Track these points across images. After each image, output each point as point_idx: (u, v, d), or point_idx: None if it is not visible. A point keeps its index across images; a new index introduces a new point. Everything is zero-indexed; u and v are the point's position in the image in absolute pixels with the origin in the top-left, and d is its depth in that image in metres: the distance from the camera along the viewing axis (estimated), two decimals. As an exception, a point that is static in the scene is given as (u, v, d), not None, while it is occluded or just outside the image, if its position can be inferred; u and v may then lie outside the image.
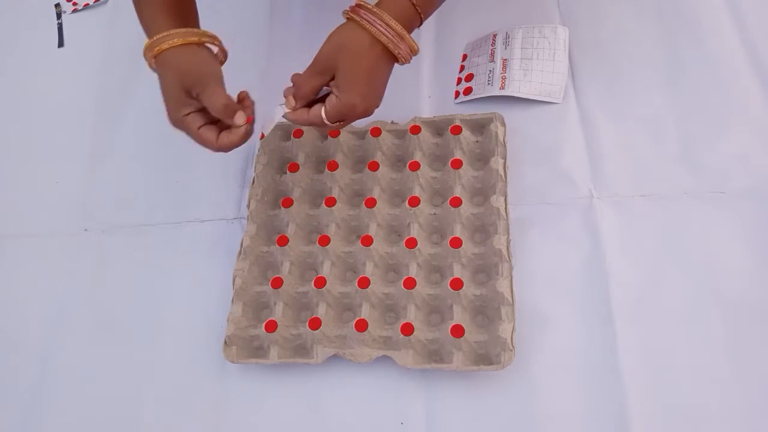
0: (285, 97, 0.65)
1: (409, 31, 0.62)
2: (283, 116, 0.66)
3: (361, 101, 0.62)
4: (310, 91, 0.63)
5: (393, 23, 0.60)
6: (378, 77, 0.63)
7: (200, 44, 0.66)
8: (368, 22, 0.60)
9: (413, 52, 0.63)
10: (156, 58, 0.65)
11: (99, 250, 0.83)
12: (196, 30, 0.66)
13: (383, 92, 0.65)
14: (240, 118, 0.63)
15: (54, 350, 0.78)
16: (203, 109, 0.64)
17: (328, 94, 0.64)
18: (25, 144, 0.96)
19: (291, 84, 0.65)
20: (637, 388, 0.63)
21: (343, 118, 0.63)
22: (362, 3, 0.62)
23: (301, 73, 0.64)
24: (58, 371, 0.76)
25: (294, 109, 0.64)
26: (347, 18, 0.63)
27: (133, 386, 0.73)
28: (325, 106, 0.62)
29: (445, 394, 0.66)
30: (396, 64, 0.64)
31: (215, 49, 0.68)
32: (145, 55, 0.66)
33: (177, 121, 0.65)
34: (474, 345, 0.65)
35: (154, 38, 0.64)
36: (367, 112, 0.64)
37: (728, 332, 0.64)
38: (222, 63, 0.68)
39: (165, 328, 0.76)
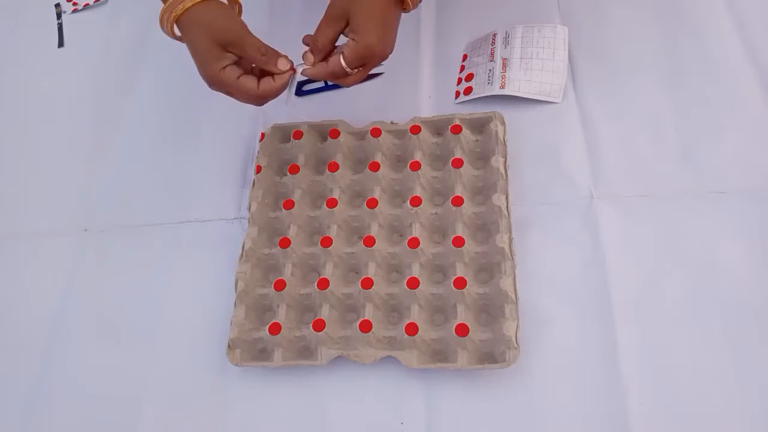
0: (303, 57, 0.65)
1: None
2: (302, 73, 0.66)
3: (377, 42, 0.62)
4: (328, 42, 0.64)
5: None
6: (390, 19, 0.63)
7: None
8: None
9: None
10: (178, 21, 0.64)
11: (99, 250, 0.83)
12: None
13: (395, 37, 0.65)
14: (283, 64, 0.64)
15: (54, 350, 0.77)
16: (237, 61, 0.65)
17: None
18: (24, 144, 0.96)
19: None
20: (638, 387, 0.63)
21: (362, 62, 0.64)
22: None
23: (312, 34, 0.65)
24: (58, 371, 0.76)
25: (313, 64, 0.65)
26: None
27: (133, 387, 0.73)
28: (343, 53, 0.63)
29: (445, 393, 0.66)
30: (403, 13, 0.65)
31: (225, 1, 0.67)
32: (162, 21, 0.64)
33: (214, 77, 0.64)
34: (478, 344, 0.66)
35: (170, 1, 0.63)
36: (384, 55, 0.64)
37: (728, 332, 0.64)
38: (239, 14, 0.69)
39: (165, 329, 0.76)
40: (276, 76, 0.65)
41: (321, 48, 0.64)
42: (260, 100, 0.65)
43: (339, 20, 0.63)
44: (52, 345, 0.78)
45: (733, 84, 0.77)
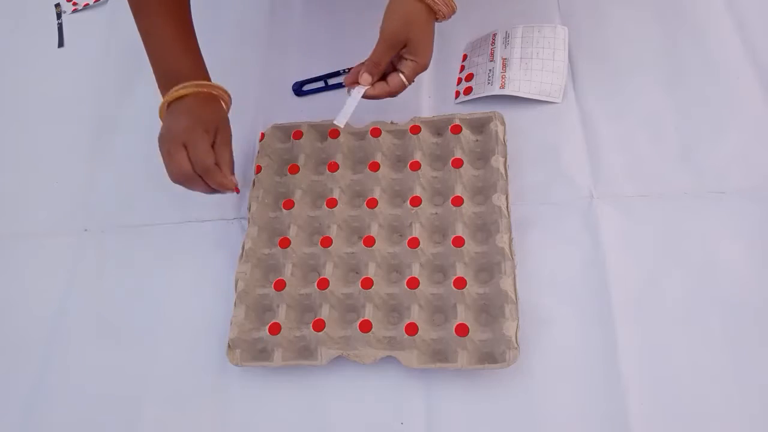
0: (360, 77, 0.70)
1: None
2: (364, 95, 0.71)
3: (429, 59, 0.71)
4: (385, 65, 0.70)
5: None
6: (433, 36, 0.71)
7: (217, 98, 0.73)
8: None
9: (452, 9, 0.70)
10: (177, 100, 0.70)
11: (99, 250, 0.83)
12: (216, 85, 0.73)
13: None
14: (230, 182, 0.70)
15: (54, 350, 0.78)
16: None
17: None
18: (25, 144, 0.96)
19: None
20: (638, 387, 0.63)
21: (415, 77, 0.72)
22: None
23: (362, 63, 0.70)
24: (58, 371, 0.76)
25: (372, 84, 0.71)
26: None
27: (133, 387, 0.73)
28: (403, 72, 0.70)
29: (445, 393, 0.66)
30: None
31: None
32: (168, 92, 0.70)
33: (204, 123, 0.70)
34: (478, 344, 0.66)
35: (184, 84, 0.70)
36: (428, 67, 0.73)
37: (728, 332, 0.64)
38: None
39: (165, 328, 0.76)
40: (218, 178, 0.69)
41: (381, 71, 0.70)
42: (185, 176, 0.68)
43: (398, 46, 0.69)
44: (52, 345, 0.78)
45: (733, 84, 0.77)
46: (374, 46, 0.69)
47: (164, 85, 0.71)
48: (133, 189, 0.87)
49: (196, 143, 0.68)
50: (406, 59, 0.70)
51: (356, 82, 0.70)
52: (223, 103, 0.74)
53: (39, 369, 0.77)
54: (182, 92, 0.70)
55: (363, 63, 0.72)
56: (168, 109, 0.71)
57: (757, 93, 0.76)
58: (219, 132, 0.71)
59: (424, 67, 0.71)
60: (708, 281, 0.66)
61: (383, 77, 0.71)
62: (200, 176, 0.68)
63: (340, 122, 0.71)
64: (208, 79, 0.73)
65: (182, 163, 0.68)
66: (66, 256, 0.84)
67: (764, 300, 0.65)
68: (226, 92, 0.74)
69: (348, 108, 0.70)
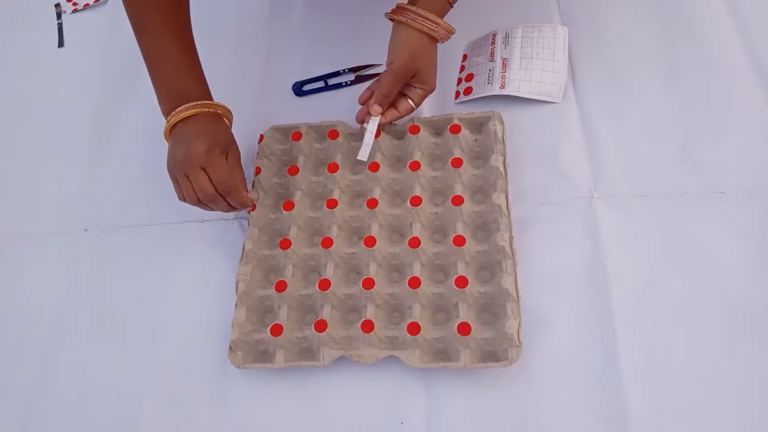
0: (370, 109, 0.75)
1: (443, 15, 0.73)
2: (380, 123, 0.76)
3: (436, 82, 0.76)
4: (395, 96, 0.75)
5: (431, 16, 0.71)
6: (436, 58, 0.75)
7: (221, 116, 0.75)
8: (414, 21, 0.71)
9: (450, 32, 0.73)
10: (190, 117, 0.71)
11: (99, 250, 0.83)
12: (220, 104, 0.74)
13: None
14: (246, 200, 0.75)
15: (54, 350, 0.77)
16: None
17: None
18: (25, 144, 0.96)
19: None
20: (637, 387, 0.63)
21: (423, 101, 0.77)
22: (403, 5, 0.72)
23: (370, 92, 0.76)
24: (59, 371, 0.76)
25: (383, 114, 0.75)
26: (394, 20, 0.72)
27: (133, 387, 0.73)
28: (412, 99, 0.76)
29: (445, 392, 0.66)
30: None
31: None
32: (172, 112, 0.71)
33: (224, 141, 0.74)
34: (480, 342, 0.66)
35: (192, 104, 0.71)
36: None
37: (728, 332, 0.64)
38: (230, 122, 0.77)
39: (165, 328, 0.76)
40: (240, 197, 0.73)
41: (390, 101, 0.75)
42: (209, 197, 0.71)
43: (407, 78, 0.73)
44: (52, 345, 0.78)
45: (733, 84, 0.77)
46: (382, 78, 0.73)
47: (169, 104, 0.72)
48: (132, 189, 0.87)
49: (216, 166, 0.70)
50: (415, 87, 0.74)
51: (367, 113, 0.75)
52: (226, 121, 0.75)
53: (39, 369, 0.77)
54: (191, 112, 0.71)
55: (369, 88, 0.75)
56: (176, 129, 0.71)
57: (757, 93, 0.76)
58: (229, 152, 0.73)
59: (432, 91, 0.76)
60: (708, 281, 0.66)
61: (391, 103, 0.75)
62: (221, 196, 0.71)
63: (364, 157, 0.75)
64: (211, 99, 0.74)
65: (205, 185, 0.70)
66: (66, 256, 0.84)
67: (764, 300, 0.65)
68: (228, 110, 0.75)
69: (367, 141, 0.75)
